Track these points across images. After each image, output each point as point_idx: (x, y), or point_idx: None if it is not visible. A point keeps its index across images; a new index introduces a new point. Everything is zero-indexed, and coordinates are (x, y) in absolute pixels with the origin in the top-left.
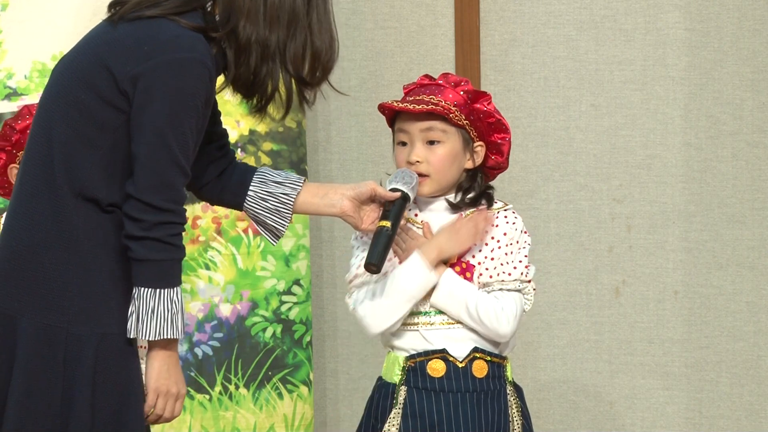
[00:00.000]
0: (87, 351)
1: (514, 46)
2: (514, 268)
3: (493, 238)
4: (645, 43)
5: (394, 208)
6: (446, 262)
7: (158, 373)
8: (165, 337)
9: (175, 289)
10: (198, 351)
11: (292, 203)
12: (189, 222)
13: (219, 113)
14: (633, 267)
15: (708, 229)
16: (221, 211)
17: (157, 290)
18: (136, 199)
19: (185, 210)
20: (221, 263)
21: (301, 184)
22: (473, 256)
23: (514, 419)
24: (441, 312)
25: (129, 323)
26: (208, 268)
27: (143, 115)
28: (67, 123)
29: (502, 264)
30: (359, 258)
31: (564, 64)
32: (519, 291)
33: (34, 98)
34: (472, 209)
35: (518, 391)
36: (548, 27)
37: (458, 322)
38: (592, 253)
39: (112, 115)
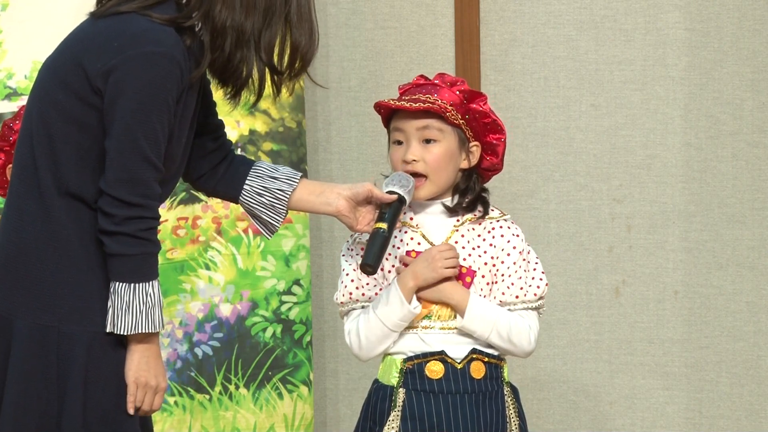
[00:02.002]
0: (79, 350)
1: (514, 46)
2: (538, 287)
3: (492, 245)
4: (645, 43)
5: (391, 211)
6: None
7: (137, 366)
8: (140, 331)
9: (151, 282)
10: (198, 351)
11: (287, 199)
12: (189, 222)
13: (213, 104)
14: (633, 267)
15: (708, 229)
16: (221, 211)
17: (132, 284)
18: (106, 194)
19: (157, 205)
20: (221, 263)
21: (297, 181)
22: (474, 263)
23: (512, 420)
24: (440, 317)
25: (107, 317)
26: (208, 268)
27: (113, 111)
28: (48, 124)
29: (527, 284)
30: (343, 284)
31: (564, 64)
32: (537, 309)
33: None
34: (469, 214)
35: (515, 391)
36: (548, 27)
37: (457, 327)
38: (592, 253)
39: (89, 113)
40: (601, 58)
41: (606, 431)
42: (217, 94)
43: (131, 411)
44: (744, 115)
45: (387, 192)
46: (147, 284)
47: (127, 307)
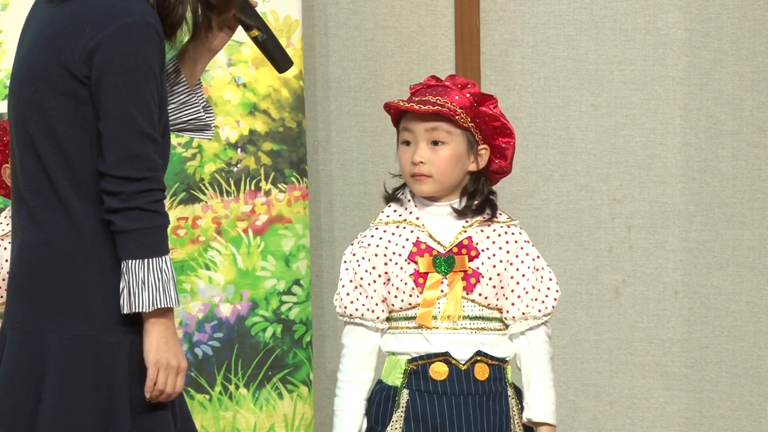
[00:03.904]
0: (120, 357)
1: (514, 46)
2: (555, 299)
3: (503, 250)
4: (645, 43)
5: (246, 14)
6: (450, 270)
7: (157, 346)
8: (159, 306)
9: (163, 257)
10: (198, 351)
11: (186, 85)
12: (189, 222)
13: None
14: (633, 267)
15: (708, 229)
16: (221, 211)
17: (146, 260)
18: (110, 176)
19: (161, 176)
20: (221, 263)
21: (181, 75)
22: (482, 265)
23: (515, 421)
24: (448, 317)
25: (121, 299)
26: (208, 268)
27: (100, 92)
28: (50, 132)
29: (545, 295)
30: (339, 296)
31: (564, 64)
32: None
33: None
34: (478, 217)
35: (518, 393)
36: (548, 27)
37: (463, 328)
38: (592, 253)
39: (85, 108)
40: (601, 58)
41: (606, 431)
42: (226, 104)
43: (150, 395)
44: (744, 115)
45: None
46: (160, 259)
47: (143, 284)
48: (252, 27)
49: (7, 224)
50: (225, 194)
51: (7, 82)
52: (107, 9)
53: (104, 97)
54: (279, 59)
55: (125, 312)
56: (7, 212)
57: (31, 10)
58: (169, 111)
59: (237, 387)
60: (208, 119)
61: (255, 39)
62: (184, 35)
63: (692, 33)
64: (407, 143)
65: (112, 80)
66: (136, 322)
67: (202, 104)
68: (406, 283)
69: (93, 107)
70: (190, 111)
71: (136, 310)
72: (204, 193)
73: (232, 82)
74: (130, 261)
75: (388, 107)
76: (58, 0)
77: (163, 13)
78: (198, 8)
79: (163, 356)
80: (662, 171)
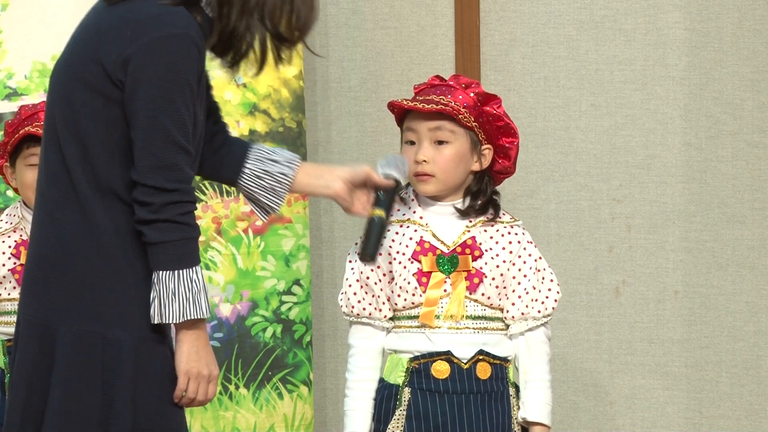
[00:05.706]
0: (126, 355)
1: (514, 46)
2: (555, 300)
3: (506, 250)
4: (645, 43)
5: (387, 196)
6: (453, 269)
7: (187, 356)
8: (189, 317)
9: (194, 268)
10: None
11: (289, 183)
12: None
13: (210, 87)
14: (633, 267)
15: (708, 229)
16: (221, 211)
17: (176, 271)
18: (141, 185)
19: (192, 188)
20: (221, 263)
21: (298, 164)
22: (485, 264)
23: (516, 420)
24: (450, 317)
25: (152, 309)
26: (208, 268)
27: (135, 101)
28: (75, 126)
29: (545, 296)
30: (345, 295)
31: (564, 64)
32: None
33: (34, 98)
34: (481, 217)
35: (519, 392)
36: (548, 27)
37: (466, 327)
38: (592, 253)
39: (114, 108)
40: (601, 58)
41: (606, 431)
42: (226, 104)
43: (184, 403)
44: (744, 115)
45: (382, 174)
46: (191, 270)
47: (173, 295)
48: (381, 206)
49: (5, 222)
50: (225, 194)
51: (7, 82)
52: (152, 17)
53: (138, 106)
54: (371, 245)
55: (155, 322)
56: (9, 210)
57: (88, 12)
58: (258, 180)
59: (237, 387)
60: (276, 207)
61: (374, 217)
62: (253, 66)
63: (692, 33)
64: (411, 143)
65: (147, 89)
66: (145, 321)
67: (282, 200)
68: (409, 282)
69: (123, 112)
70: (271, 197)
71: (167, 321)
72: (204, 193)
73: (232, 82)
74: (160, 272)
75: (392, 106)
76: (108, 2)
77: (230, 41)
78: (266, 39)
79: (193, 366)
80: (662, 171)
